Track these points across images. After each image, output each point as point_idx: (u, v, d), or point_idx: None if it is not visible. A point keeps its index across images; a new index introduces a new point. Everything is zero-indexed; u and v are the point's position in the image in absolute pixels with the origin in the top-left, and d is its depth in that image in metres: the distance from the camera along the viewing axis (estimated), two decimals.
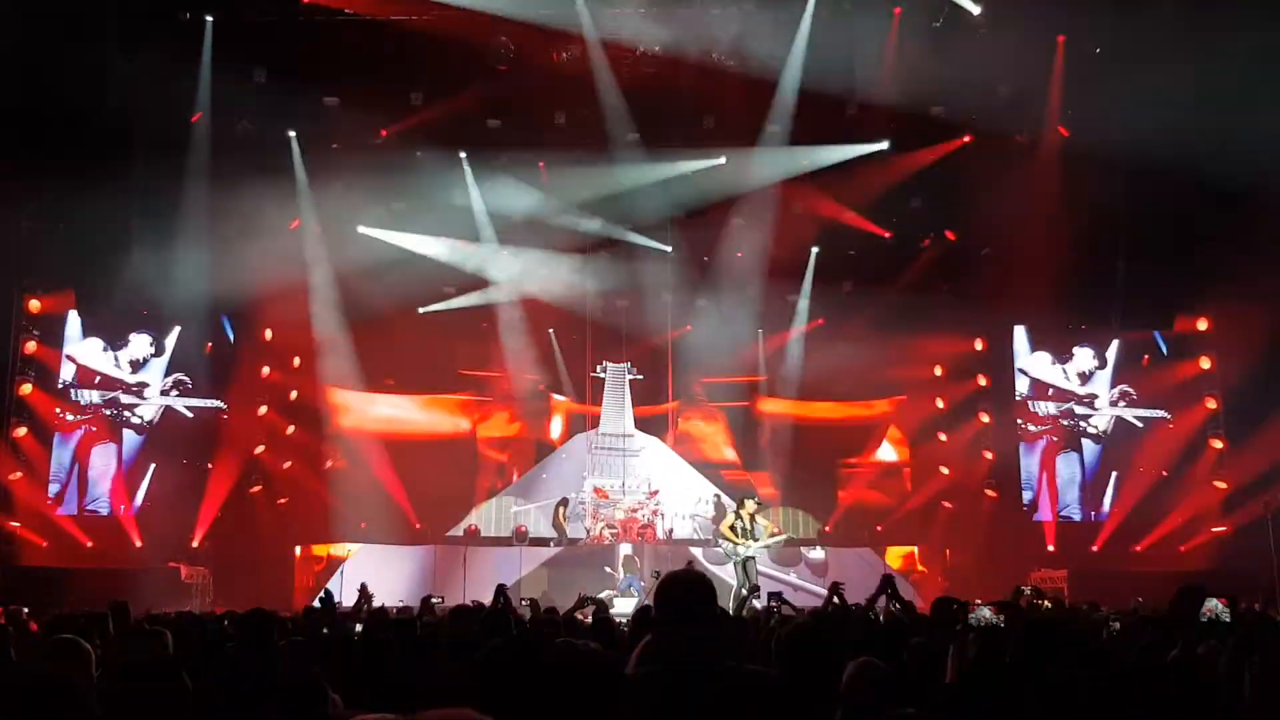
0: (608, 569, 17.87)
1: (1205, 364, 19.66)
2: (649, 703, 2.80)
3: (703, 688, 2.82)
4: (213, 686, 3.04)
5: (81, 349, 18.79)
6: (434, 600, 9.89)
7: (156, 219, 17.73)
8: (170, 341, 19.05)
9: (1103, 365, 20.08)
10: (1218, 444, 19.30)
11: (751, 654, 5.64)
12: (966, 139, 18.84)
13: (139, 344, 18.96)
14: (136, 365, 18.95)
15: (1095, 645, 6.38)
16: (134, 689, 2.85)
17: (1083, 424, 20.03)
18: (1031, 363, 20.18)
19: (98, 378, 18.82)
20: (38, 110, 15.84)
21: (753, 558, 14.59)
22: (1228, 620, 3.97)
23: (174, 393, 18.99)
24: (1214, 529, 18.69)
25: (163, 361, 19.02)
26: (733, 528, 14.65)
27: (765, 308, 20.82)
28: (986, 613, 4.56)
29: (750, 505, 14.88)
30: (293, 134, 18.67)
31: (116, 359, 18.90)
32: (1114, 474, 19.67)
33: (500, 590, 7.32)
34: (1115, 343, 20.00)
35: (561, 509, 19.45)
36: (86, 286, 18.52)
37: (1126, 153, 16.80)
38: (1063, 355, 20.16)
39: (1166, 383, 19.90)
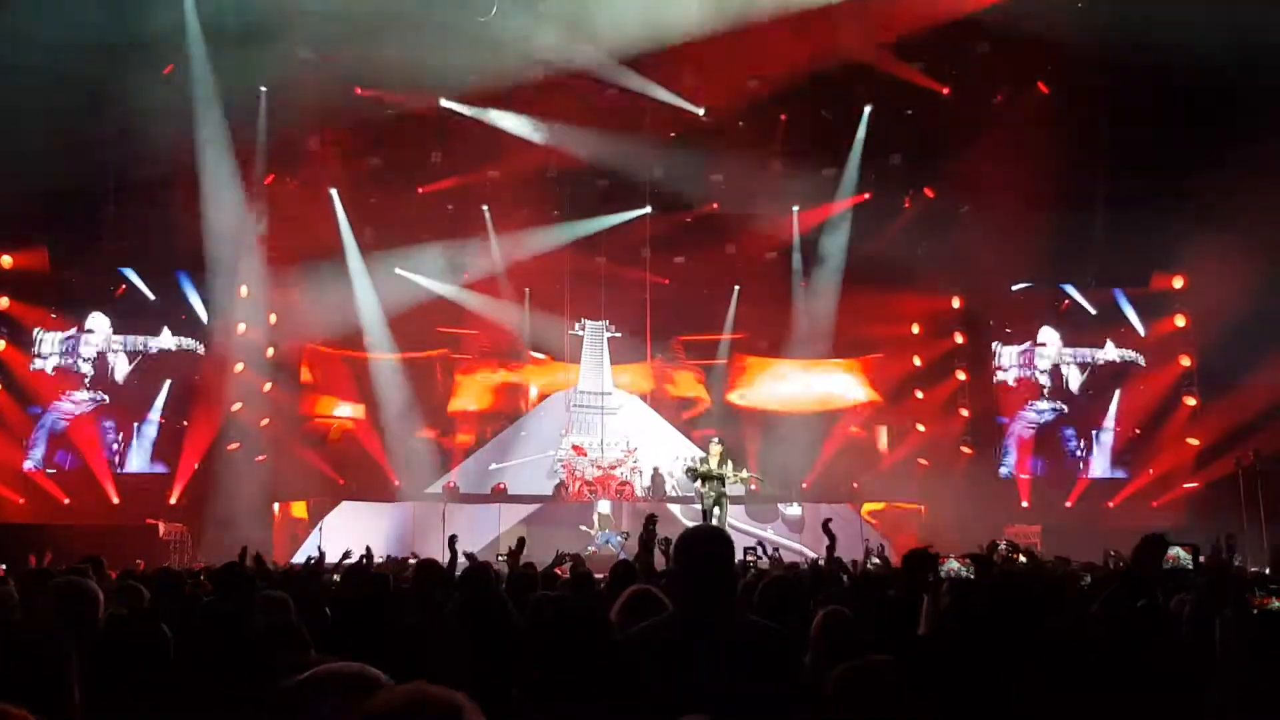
0: (583, 527, 17.95)
1: (1180, 321, 19.82)
2: (665, 651, 2.81)
3: (721, 637, 2.84)
4: (192, 636, 3.06)
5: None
6: (410, 560, 9.88)
7: (131, 174, 17.49)
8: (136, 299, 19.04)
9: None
10: (1191, 401, 19.51)
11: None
12: (945, 91, 18.75)
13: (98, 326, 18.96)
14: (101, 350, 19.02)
15: (1065, 597, 6.48)
16: (115, 639, 2.87)
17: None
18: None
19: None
20: (13, 65, 15.55)
21: (722, 502, 14.62)
22: (1189, 568, 4.04)
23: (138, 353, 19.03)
24: (1186, 485, 18.95)
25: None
26: (705, 466, 14.69)
27: (743, 264, 20.83)
28: (955, 565, 4.61)
29: (716, 448, 14.91)
30: (263, 89, 18.39)
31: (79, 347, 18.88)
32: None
33: (452, 540, 7.18)
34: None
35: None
36: (59, 243, 18.30)
37: (1104, 110, 16.83)
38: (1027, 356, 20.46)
39: (1141, 340, 20.15)
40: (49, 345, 18.68)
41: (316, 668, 1.63)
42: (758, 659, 2.82)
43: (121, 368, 18.95)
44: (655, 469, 20.12)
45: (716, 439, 15.31)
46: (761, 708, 2.69)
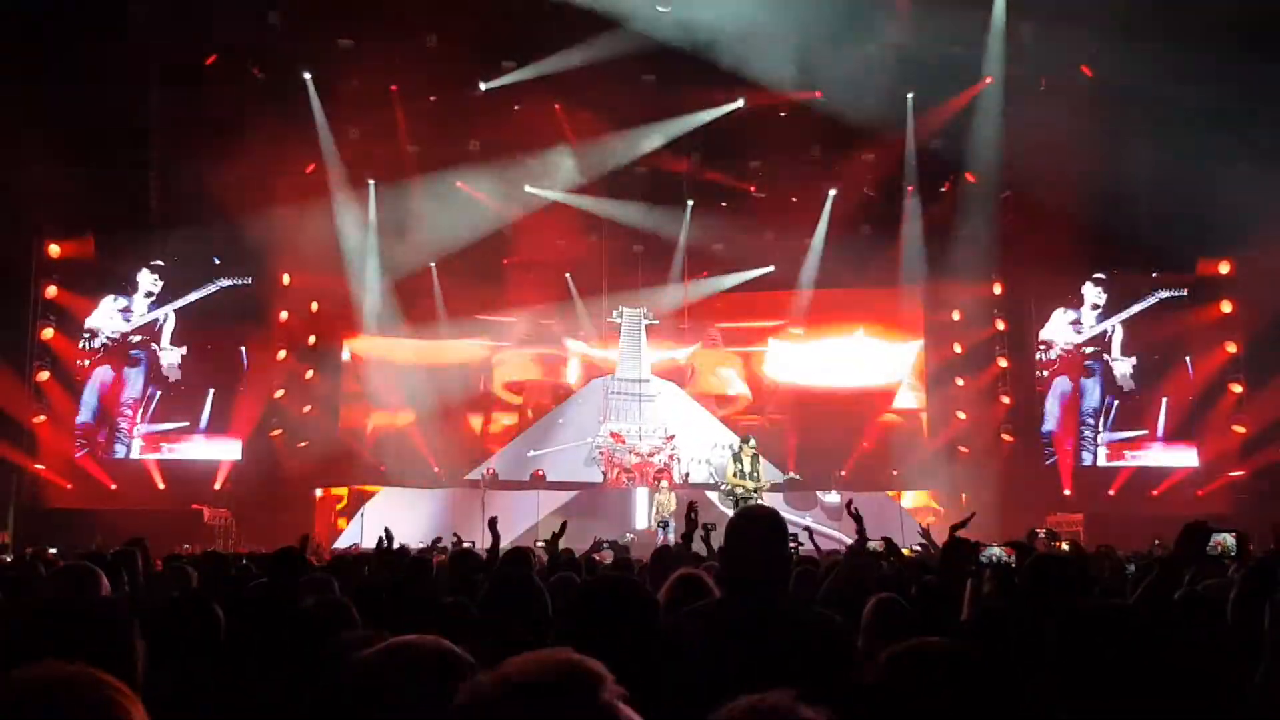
0: (655, 514, 17.80)
1: (1226, 308, 19.54)
2: (715, 635, 2.81)
3: (774, 621, 2.84)
4: (242, 617, 3.12)
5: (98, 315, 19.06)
6: (456, 541, 9.92)
7: (174, 163, 17.74)
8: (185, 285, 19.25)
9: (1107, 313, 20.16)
10: (1237, 388, 19.24)
11: None
12: (988, 80, 18.59)
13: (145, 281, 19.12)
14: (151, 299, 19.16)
15: (1109, 585, 6.43)
16: (168, 621, 2.93)
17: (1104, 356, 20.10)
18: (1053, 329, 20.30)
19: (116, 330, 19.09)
20: (54, 57, 15.79)
21: (751, 499, 14.65)
22: (1234, 555, 3.99)
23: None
24: (1232, 474, 18.70)
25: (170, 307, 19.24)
26: (735, 472, 14.79)
27: (781, 252, 20.76)
28: (997, 551, 4.59)
29: (750, 448, 14.97)
30: (308, 75, 18.55)
31: (130, 309, 19.07)
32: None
33: (493, 522, 7.15)
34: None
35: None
36: (105, 231, 18.58)
37: (1150, 93, 16.59)
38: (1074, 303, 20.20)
39: (1186, 326, 19.84)
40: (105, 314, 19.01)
41: (391, 639, 1.65)
42: (810, 644, 2.82)
43: (168, 329, 19.19)
44: (686, 474, 20.02)
45: (750, 439, 15.34)
46: (813, 692, 2.69)
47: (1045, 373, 20.20)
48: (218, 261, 19.12)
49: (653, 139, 19.51)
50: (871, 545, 6.07)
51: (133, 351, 19.03)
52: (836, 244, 20.33)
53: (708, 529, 7.67)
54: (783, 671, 2.77)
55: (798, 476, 18.23)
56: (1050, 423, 20.08)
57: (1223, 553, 3.83)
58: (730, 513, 14.48)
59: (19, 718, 1.36)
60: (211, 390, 19.04)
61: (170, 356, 19.10)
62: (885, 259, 20.10)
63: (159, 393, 19.07)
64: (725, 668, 2.66)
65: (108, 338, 18.98)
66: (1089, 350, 20.17)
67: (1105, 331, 20.12)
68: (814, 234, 20.64)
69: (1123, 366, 20.06)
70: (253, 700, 2.64)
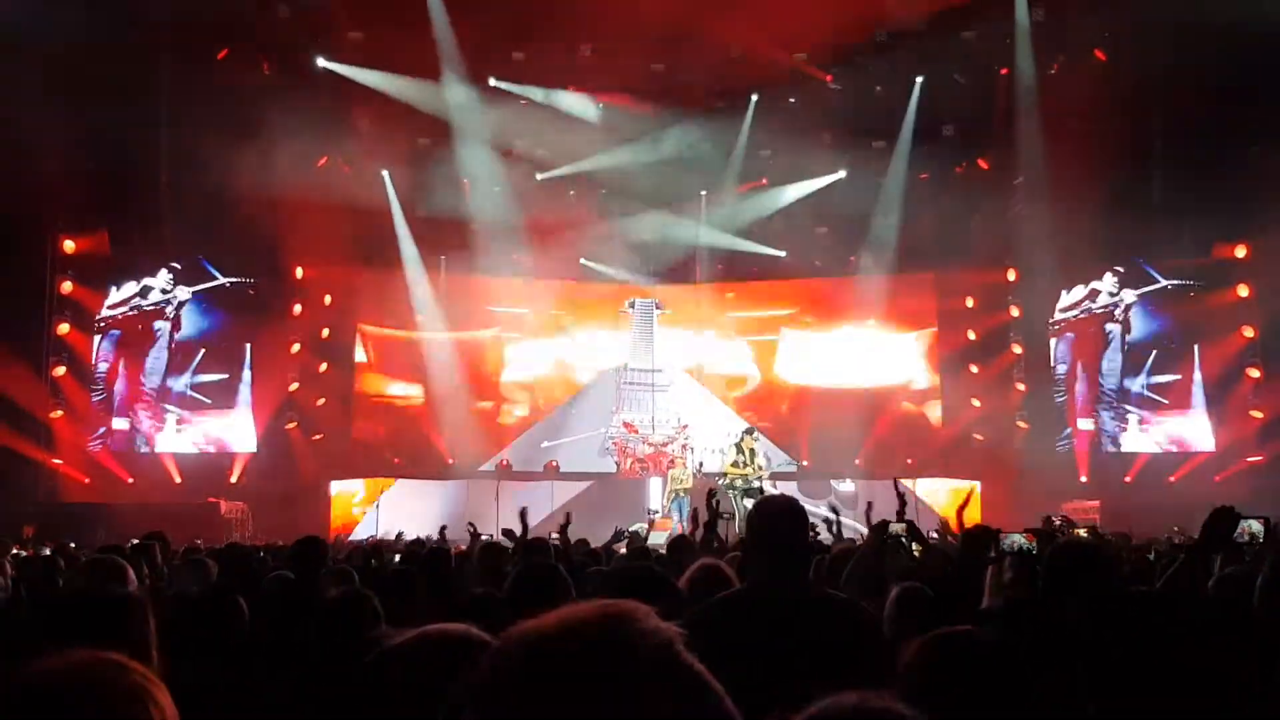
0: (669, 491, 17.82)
1: (1243, 292, 19.39)
2: (741, 624, 2.81)
3: (798, 610, 2.83)
4: (264, 609, 3.11)
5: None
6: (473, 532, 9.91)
7: (186, 157, 17.76)
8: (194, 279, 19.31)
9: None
10: (1254, 373, 19.11)
11: None
12: (1003, 71, 18.52)
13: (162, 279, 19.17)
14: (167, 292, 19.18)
15: (1129, 571, 6.39)
16: (194, 614, 2.93)
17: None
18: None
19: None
20: (63, 53, 15.80)
21: (751, 490, 14.66)
22: (1262, 541, 3.96)
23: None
24: (1249, 459, 18.58)
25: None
26: (735, 463, 14.82)
27: (791, 238, 20.73)
28: (1019, 538, 4.57)
29: (751, 439, 15.00)
30: (320, 59, 18.54)
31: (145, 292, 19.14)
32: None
33: (523, 512, 7.14)
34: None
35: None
36: (119, 226, 18.62)
37: (1164, 77, 16.50)
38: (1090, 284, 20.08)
39: (1202, 310, 19.70)
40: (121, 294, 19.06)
41: (423, 628, 1.64)
42: (838, 633, 2.81)
43: (188, 313, 19.25)
44: (700, 463, 20.00)
45: (754, 430, 15.38)
46: (840, 681, 2.67)
47: (1063, 327, 20.06)
48: (225, 262, 19.19)
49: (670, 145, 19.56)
50: (894, 529, 6.05)
51: (155, 323, 19.08)
52: (849, 231, 20.30)
53: (720, 518, 7.65)
54: (810, 660, 2.77)
55: (796, 464, 18.27)
56: (1063, 368, 19.94)
57: (1250, 539, 3.79)
58: (731, 501, 14.60)
59: (46, 707, 1.35)
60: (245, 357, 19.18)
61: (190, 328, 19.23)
62: (898, 245, 20.01)
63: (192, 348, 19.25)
64: (752, 657, 2.65)
65: (131, 307, 19.02)
66: (1110, 319, 19.99)
67: (1123, 305, 19.93)
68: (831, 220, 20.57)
69: (1139, 333, 19.90)
70: (278, 691, 2.64)
